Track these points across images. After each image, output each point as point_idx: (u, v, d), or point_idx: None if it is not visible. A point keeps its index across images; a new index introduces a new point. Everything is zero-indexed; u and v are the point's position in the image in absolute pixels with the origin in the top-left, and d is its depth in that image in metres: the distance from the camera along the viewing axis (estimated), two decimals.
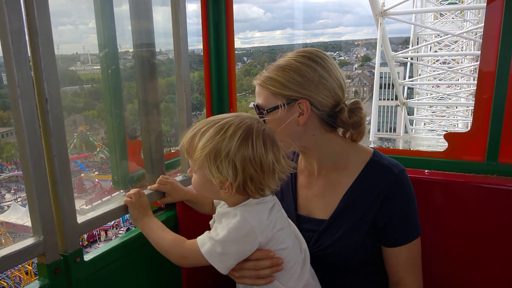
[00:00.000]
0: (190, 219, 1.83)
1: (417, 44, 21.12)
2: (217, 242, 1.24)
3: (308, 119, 1.42)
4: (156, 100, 1.79)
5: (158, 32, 1.76)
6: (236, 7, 2.34)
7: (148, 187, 1.69)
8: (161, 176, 1.72)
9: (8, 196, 48.65)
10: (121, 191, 1.76)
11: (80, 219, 1.37)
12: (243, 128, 1.23)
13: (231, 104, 2.38)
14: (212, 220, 1.37)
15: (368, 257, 1.52)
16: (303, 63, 1.41)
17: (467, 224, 1.80)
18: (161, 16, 1.79)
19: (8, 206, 43.72)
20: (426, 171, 1.90)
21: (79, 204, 41.47)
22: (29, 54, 1.11)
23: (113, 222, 28.04)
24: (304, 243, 1.44)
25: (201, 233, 1.32)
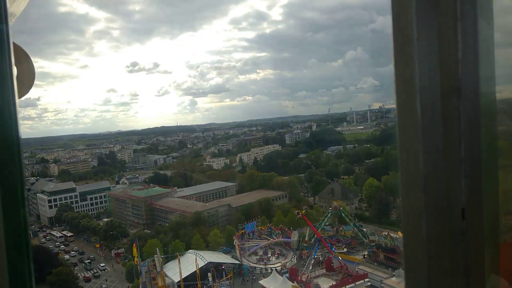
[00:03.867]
0: None
1: None
2: None
3: None
4: None
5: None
6: None
7: None
8: None
9: (272, 259, 54.36)
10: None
11: None
12: None
13: None
14: None
15: None
16: None
17: None
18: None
19: (272, 269, 48.77)
20: None
21: (326, 284, 41.81)
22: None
23: None
24: None
25: None
